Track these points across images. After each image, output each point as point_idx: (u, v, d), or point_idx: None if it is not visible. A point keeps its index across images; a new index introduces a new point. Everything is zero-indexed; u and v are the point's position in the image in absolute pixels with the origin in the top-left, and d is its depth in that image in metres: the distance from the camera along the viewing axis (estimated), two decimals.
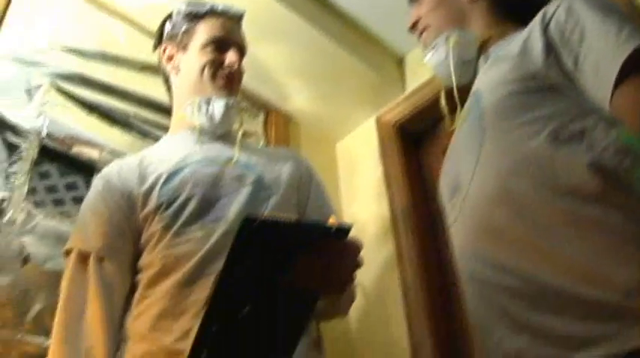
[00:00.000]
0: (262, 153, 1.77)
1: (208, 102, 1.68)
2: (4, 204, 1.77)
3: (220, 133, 1.72)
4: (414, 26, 1.63)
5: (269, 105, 2.90)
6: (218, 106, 1.67)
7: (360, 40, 2.86)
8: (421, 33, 1.61)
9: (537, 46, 1.22)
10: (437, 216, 2.65)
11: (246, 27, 1.87)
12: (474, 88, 1.39)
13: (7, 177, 1.82)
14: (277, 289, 1.15)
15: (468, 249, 1.22)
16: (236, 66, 1.72)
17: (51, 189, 1.95)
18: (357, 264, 1.25)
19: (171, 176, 1.56)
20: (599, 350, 0.94)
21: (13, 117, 1.92)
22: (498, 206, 1.15)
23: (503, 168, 1.16)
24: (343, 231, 1.13)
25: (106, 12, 2.42)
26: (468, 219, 1.22)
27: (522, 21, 1.41)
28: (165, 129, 2.23)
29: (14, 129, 1.90)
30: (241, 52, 1.78)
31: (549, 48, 1.20)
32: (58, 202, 1.95)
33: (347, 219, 2.64)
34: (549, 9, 1.28)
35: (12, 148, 1.87)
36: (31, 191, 1.87)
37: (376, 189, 2.81)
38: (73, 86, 2.15)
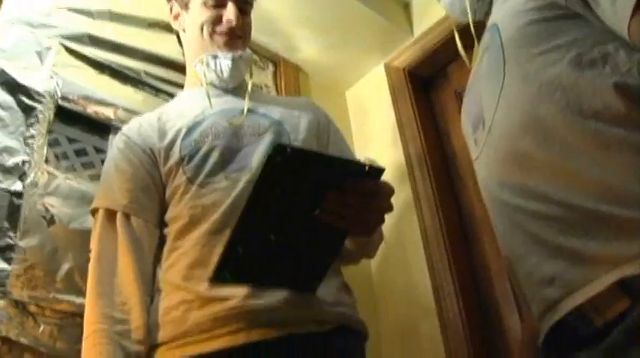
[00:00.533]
0: (280, 102, 1.78)
1: (215, 59, 1.68)
2: (26, 167, 1.78)
3: (232, 87, 1.72)
4: None
5: (277, 56, 2.89)
6: (225, 62, 1.67)
7: None
8: None
9: None
10: (451, 158, 2.67)
11: None
12: (491, 22, 1.36)
13: (26, 139, 1.82)
14: (305, 222, 1.17)
15: (495, 179, 1.22)
16: (234, 22, 1.68)
17: (62, 156, 1.96)
18: (388, 207, 1.27)
19: (190, 129, 1.57)
20: (635, 269, 0.95)
21: (26, 80, 1.91)
22: (525, 133, 1.15)
23: (528, 95, 1.16)
24: (377, 171, 1.14)
25: None
26: (494, 151, 1.22)
27: None
28: (176, 85, 2.24)
29: (28, 92, 1.90)
30: (244, 5, 1.75)
31: None
32: (70, 168, 1.95)
33: None
34: None
35: (28, 111, 1.87)
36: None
37: (389, 135, 2.82)
38: (82, 46, 2.14)
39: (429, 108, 2.86)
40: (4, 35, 1.94)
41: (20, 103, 1.87)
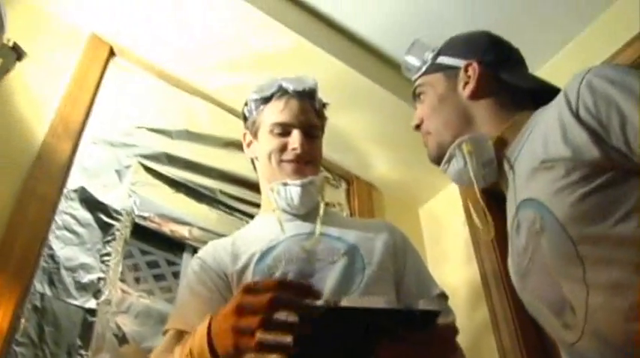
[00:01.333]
0: (355, 225, 1.75)
1: (285, 186, 1.67)
2: (101, 284, 1.80)
3: (304, 212, 1.70)
4: (418, 127, 1.58)
5: (350, 174, 2.91)
6: (294, 190, 1.66)
7: None
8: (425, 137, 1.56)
9: (583, 138, 1.13)
10: None
11: (321, 96, 1.84)
12: (524, 196, 1.30)
13: (102, 257, 1.85)
14: None
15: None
16: (299, 149, 1.67)
17: (135, 268, 1.98)
18: (450, 350, 1.21)
19: (264, 254, 1.55)
20: None
21: (105, 197, 1.97)
22: (633, 313, 1.06)
23: (619, 273, 1.07)
24: (430, 316, 1.09)
25: (187, 92, 2.49)
26: (605, 329, 1.11)
27: (529, 106, 1.38)
28: (250, 203, 2.26)
29: (107, 210, 1.95)
30: (311, 130, 1.75)
31: (594, 136, 1.12)
32: (142, 280, 1.97)
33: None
34: (570, 95, 1.18)
35: (105, 228, 1.92)
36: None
37: (464, 252, 2.77)
38: (159, 165, 2.21)
39: (504, 225, 2.80)
40: (86, 154, 2.01)
41: (98, 221, 1.92)
